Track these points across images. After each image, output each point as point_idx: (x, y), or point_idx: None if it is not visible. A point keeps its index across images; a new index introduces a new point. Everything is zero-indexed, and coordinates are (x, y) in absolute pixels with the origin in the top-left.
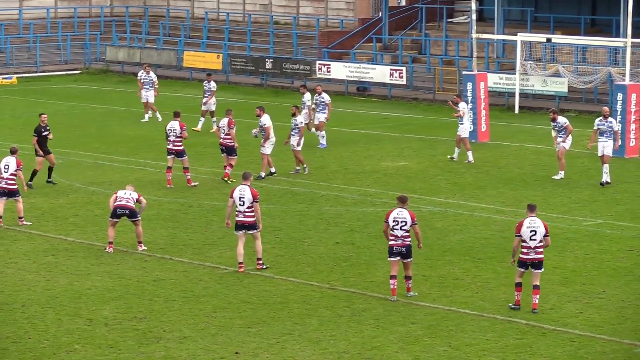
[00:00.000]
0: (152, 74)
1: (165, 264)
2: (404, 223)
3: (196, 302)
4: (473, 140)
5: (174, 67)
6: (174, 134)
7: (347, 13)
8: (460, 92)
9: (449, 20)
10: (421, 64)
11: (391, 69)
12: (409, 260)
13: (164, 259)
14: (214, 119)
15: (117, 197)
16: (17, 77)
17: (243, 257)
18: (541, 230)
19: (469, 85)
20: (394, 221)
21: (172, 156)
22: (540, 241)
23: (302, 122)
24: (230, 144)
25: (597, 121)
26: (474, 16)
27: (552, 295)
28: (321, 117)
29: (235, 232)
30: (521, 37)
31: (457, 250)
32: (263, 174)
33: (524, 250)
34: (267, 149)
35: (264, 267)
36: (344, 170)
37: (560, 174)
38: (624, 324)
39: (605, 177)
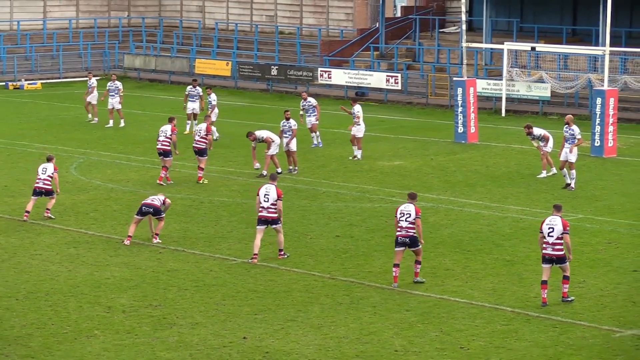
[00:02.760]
0: (117, 82)
1: (178, 255)
2: (408, 215)
3: (207, 291)
4: (463, 142)
5: (186, 74)
6: (164, 135)
7: (346, 24)
8: (357, 95)
9: (441, 30)
10: (415, 71)
11: (387, 75)
12: (417, 248)
13: (177, 251)
14: (196, 121)
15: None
16: (41, 83)
17: (259, 249)
18: (558, 228)
19: (460, 91)
20: (400, 213)
21: (161, 157)
22: (559, 238)
23: (295, 125)
24: (202, 147)
25: (564, 128)
26: (464, 26)
27: (536, 285)
28: (312, 119)
29: (257, 227)
30: (508, 46)
31: (448, 243)
32: (265, 172)
33: (545, 247)
34: (273, 150)
35: (286, 255)
36: (343, 169)
37: (543, 173)
38: (603, 311)
39: (568, 180)
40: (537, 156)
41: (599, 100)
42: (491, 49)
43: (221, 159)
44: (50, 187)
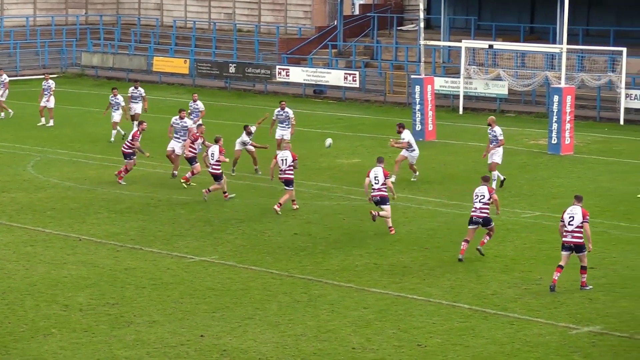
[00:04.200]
0: (50, 81)
1: (136, 253)
2: (482, 197)
3: (164, 289)
4: (421, 139)
5: (144, 72)
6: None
7: (305, 21)
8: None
9: (399, 28)
10: (373, 69)
11: (345, 73)
12: (490, 226)
13: (134, 249)
14: (135, 122)
15: None
16: None
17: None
18: (578, 217)
19: (417, 89)
20: (474, 196)
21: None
22: (578, 226)
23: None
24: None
25: (488, 130)
26: (422, 24)
27: (493, 282)
28: (286, 133)
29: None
30: (465, 44)
31: (406, 241)
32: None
33: (565, 234)
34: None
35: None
36: (301, 167)
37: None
38: (559, 308)
39: (502, 177)
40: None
41: (556, 98)
42: (449, 46)
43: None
44: None
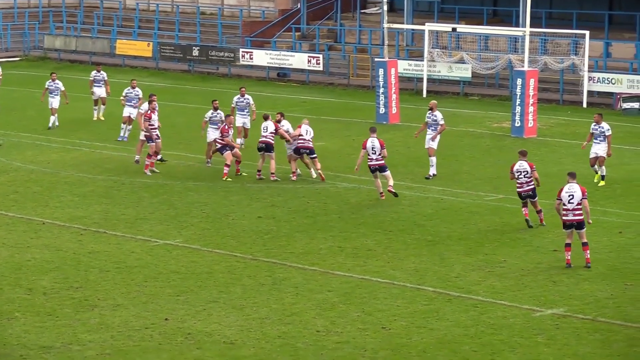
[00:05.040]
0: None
1: (99, 237)
2: (525, 172)
3: (128, 273)
4: (384, 122)
5: (107, 55)
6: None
7: (268, 4)
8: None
9: (362, 11)
10: (337, 52)
11: (309, 56)
12: (535, 199)
13: (98, 233)
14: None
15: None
16: None
17: (380, 187)
18: (578, 195)
19: (381, 72)
20: (517, 172)
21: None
22: (579, 204)
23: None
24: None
25: (427, 114)
26: (385, 7)
27: (457, 265)
28: (247, 120)
29: (373, 175)
30: (429, 27)
31: (370, 224)
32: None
33: (565, 213)
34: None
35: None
36: None
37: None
38: (523, 290)
39: (432, 170)
40: (458, 136)
41: (519, 81)
42: (412, 30)
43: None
44: None
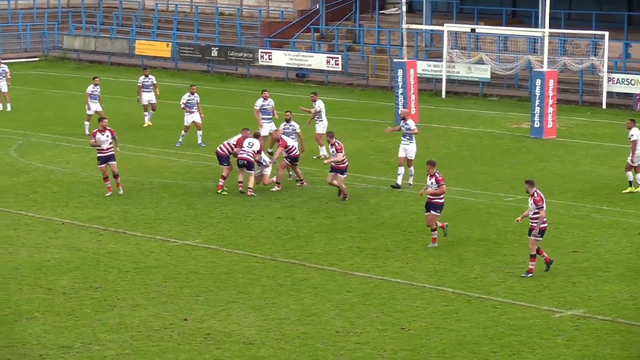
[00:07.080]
0: (4, 65)
1: (119, 237)
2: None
3: (148, 273)
4: None
5: (126, 55)
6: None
7: (287, 5)
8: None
9: (381, 11)
10: (355, 52)
11: (328, 57)
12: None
13: (118, 233)
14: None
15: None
16: None
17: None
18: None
19: (400, 72)
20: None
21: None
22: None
23: (299, 128)
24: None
25: (401, 123)
26: (404, 8)
27: (477, 265)
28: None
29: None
30: (448, 28)
31: (389, 224)
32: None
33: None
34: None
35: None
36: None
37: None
38: (542, 291)
39: (399, 181)
40: (477, 137)
41: (538, 82)
42: (431, 30)
43: (161, 140)
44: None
